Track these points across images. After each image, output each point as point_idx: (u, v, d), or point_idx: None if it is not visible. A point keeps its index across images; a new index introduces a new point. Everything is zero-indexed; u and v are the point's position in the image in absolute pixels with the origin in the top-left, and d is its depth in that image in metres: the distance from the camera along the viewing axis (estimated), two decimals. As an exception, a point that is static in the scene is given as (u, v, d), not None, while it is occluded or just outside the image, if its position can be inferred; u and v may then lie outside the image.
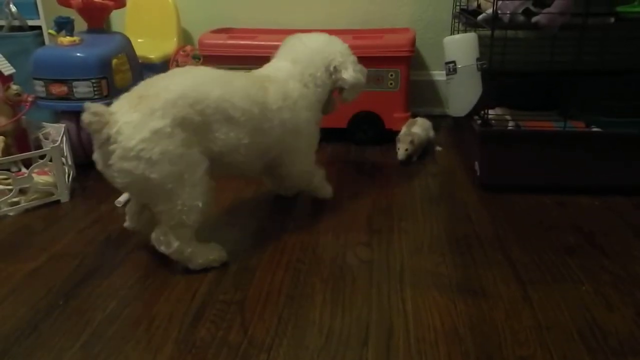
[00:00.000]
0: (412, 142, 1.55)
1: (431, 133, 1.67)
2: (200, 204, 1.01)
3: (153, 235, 1.03)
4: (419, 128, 1.61)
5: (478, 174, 1.42)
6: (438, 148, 1.71)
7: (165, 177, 0.96)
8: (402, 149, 1.55)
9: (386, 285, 1.01)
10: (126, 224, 1.17)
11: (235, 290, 0.99)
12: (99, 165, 0.99)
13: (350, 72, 1.22)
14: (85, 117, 0.93)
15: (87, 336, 0.88)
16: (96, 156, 0.99)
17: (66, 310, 0.95)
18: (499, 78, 1.38)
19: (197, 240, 1.05)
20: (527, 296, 0.97)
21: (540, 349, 0.84)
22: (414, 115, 1.78)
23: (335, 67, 1.22)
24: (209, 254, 1.06)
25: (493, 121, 1.45)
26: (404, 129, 1.60)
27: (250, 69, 1.70)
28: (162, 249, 1.03)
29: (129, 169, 0.94)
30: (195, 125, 1.00)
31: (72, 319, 0.92)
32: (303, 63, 1.20)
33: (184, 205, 0.99)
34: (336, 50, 1.23)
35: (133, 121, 0.94)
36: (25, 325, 0.91)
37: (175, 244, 1.02)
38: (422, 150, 1.64)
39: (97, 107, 0.94)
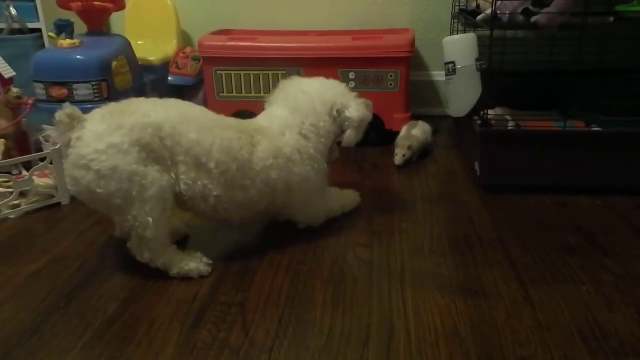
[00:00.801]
0: (410, 147, 1.54)
1: (430, 138, 1.66)
2: (150, 220, 0.97)
3: (129, 245, 1.03)
4: (418, 131, 1.60)
5: (478, 174, 1.42)
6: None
7: (111, 193, 0.94)
8: (399, 155, 1.54)
9: (387, 286, 1.01)
10: (116, 233, 1.17)
11: (236, 292, 0.99)
12: (64, 171, 1.00)
13: (355, 108, 1.16)
14: (58, 115, 0.94)
15: (89, 338, 0.88)
16: (65, 162, 0.99)
17: (67, 312, 0.95)
18: (499, 78, 1.38)
19: (176, 249, 1.05)
20: (527, 296, 0.97)
21: (541, 349, 0.84)
22: (414, 116, 1.78)
23: (338, 111, 1.16)
24: (185, 264, 1.03)
25: (493, 121, 1.45)
26: (403, 131, 1.60)
27: (251, 70, 1.71)
28: (138, 257, 1.03)
29: (77, 178, 0.94)
30: (159, 154, 0.97)
31: (74, 321, 0.92)
32: (303, 113, 1.14)
33: (135, 220, 0.97)
34: (336, 93, 1.18)
35: (97, 131, 0.94)
36: (26, 328, 0.91)
37: (146, 254, 1.01)
38: (421, 153, 1.62)
39: (72, 109, 0.95)
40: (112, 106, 1.00)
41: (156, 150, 0.96)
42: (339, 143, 1.23)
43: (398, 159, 1.54)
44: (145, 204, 0.96)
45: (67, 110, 0.95)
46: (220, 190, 1.03)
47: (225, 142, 1.02)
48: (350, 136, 1.18)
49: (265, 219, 1.22)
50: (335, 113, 1.16)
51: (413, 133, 1.58)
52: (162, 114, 0.99)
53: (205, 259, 1.06)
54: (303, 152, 1.12)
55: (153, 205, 0.97)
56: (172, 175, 0.99)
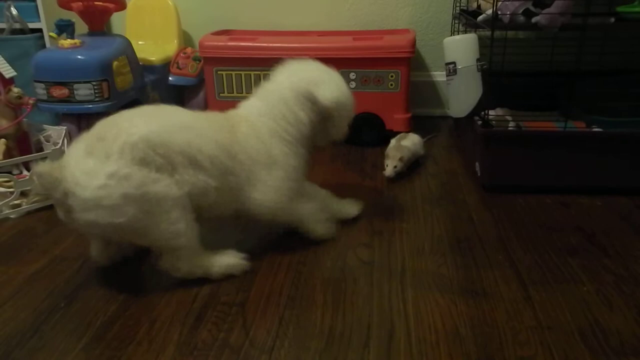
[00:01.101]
0: (401, 158, 1.47)
1: (421, 151, 1.59)
2: (182, 227, 0.97)
3: (161, 263, 1.01)
4: (408, 142, 1.54)
5: (479, 174, 1.42)
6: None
7: (132, 218, 0.91)
8: (390, 166, 1.47)
9: (387, 286, 1.01)
10: (94, 254, 1.10)
11: (237, 292, 0.99)
12: (62, 217, 0.95)
13: (323, 92, 1.09)
14: (36, 179, 0.90)
15: (89, 338, 0.88)
16: (58, 212, 0.95)
17: (68, 312, 0.95)
18: (500, 79, 1.38)
19: (208, 251, 1.04)
20: (528, 296, 0.97)
21: (542, 349, 0.84)
22: (415, 116, 1.78)
23: (307, 97, 1.10)
24: (225, 260, 1.05)
25: (494, 122, 1.45)
26: (393, 142, 1.54)
27: (251, 70, 1.71)
28: (175, 274, 1.01)
29: (94, 220, 0.91)
30: (157, 165, 0.95)
31: (74, 321, 0.92)
32: (273, 102, 1.11)
33: (162, 236, 0.96)
34: (307, 77, 1.12)
35: (87, 169, 0.90)
36: (26, 328, 0.91)
37: (183, 267, 1.01)
38: (411, 165, 1.56)
39: (43, 168, 0.90)
40: (89, 137, 0.95)
41: (153, 161, 0.94)
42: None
43: (389, 170, 1.47)
44: (169, 215, 0.95)
45: (37, 171, 0.90)
46: (217, 182, 1.02)
47: (211, 136, 1.02)
48: (335, 119, 1.14)
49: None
50: (303, 99, 1.10)
51: (403, 144, 1.52)
52: (144, 125, 0.96)
53: (240, 254, 1.07)
54: (279, 136, 1.10)
55: (177, 213, 0.96)
56: (176, 176, 0.97)
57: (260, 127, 1.10)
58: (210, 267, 1.03)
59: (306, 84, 1.10)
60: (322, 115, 1.13)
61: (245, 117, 1.11)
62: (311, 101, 1.10)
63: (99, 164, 0.90)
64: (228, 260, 1.05)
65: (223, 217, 1.12)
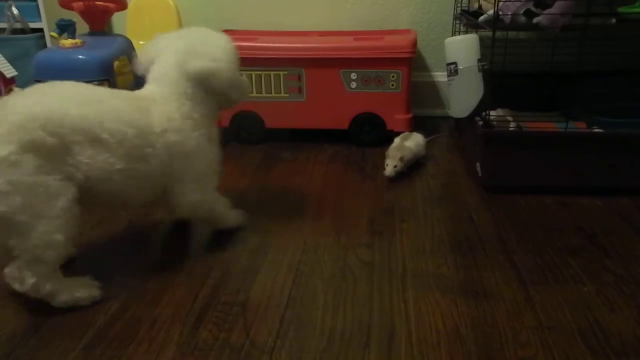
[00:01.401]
0: (401, 158, 1.47)
1: (423, 151, 1.59)
2: (60, 238, 0.89)
3: (6, 271, 0.93)
4: (412, 142, 1.53)
5: (480, 174, 1.42)
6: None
7: (15, 209, 0.85)
8: (390, 166, 1.47)
9: (388, 286, 1.01)
10: None
11: (237, 292, 1.00)
12: None
13: (192, 67, 1.04)
14: None
15: (90, 338, 0.88)
16: None
17: (69, 311, 0.95)
18: (501, 79, 1.38)
19: (62, 275, 0.95)
20: (529, 297, 0.97)
21: (542, 349, 0.84)
22: (416, 117, 1.78)
23: (185, 71, 1.05)
24: (75, 290, 0.95)
25: (495, 122, 1.45)
26: (396, 142, 1.54)
27: (252, 70, 1.71)
28: (16, 286, 0.92)
29: None
30: (49, 148, 0.87)
31: (75, 320, 0.92)
32: (166, 84, 1.06)
33: (39, 239, 0.87)
34: (175, 51, 1.07)
35: None
36: (27, 328, 0.91)
37: (30, 281, 0.90)
38: (412, 165, 1.55)
39: None
40: None
41: (47, 144, 0.87)
42: None
43: (388, 170, 1.47)
44: (54, 220, 0.88)
45: None
46: (122, 163, 0.95)
47: (115, 110, 0.96)
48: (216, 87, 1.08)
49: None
50: (184, 74, 1.05)
51: (406, 144, 1.52)
52: (31, 102, 0.89)
53: (95, 283, 0.99)
54: (189, 117, 1.05)
55: (62, 222, 0.89)
56: (70, 161, 0.90)
57: (173, 111, 1.04)
58: (57, 294, 0.93)
59: (174, 58, 1.05)
60: (208, 87, 1.08)
61: (154, 101, 1.04)
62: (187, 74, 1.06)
63: None
64: (80, 290, 0.96)
65: (133, 209, 1.06)
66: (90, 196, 0.95)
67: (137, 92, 1.07)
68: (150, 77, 1.09)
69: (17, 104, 0.89)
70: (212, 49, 1.08)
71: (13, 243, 0.88)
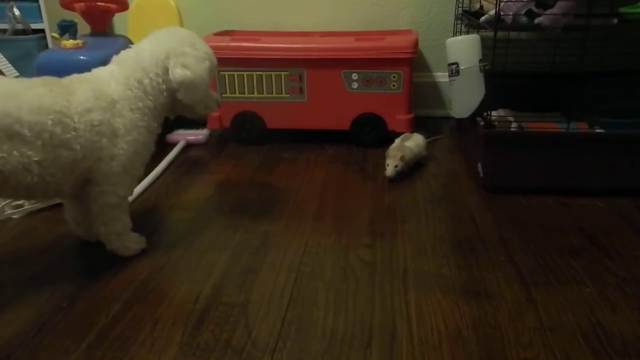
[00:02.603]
0: (402, 158, 1.46)
1: (424, 152, 1.59)
2: None
3: None
4: (412, 143, 1.53)
5: (481, 175, 1.42)
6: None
7: None
8: (391, 166, 1.46)
9: (389, 287, 1.01)
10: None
11: (239, 293, 1.00)
12: None
13: (171, 69, 1.06)
14: None
15: (91, 338, 0.88)
16: None
17: (70, 312, 0.95)
18: (502, 79, 1.38)
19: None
20: (530, 298, 0.97)
21: (544, 350, 0.84)
22: (417, 117, 1.78)
23: (165, 67, 1.07)
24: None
25: (496, 122, 1.45)
26: (396, 142, 1.54)
27: (254, 70, 1.71)
28: None
29: None
30: None
31: (77, 321, 0.92)
32: (129, 67, 1.06)
33: None
34: (164, 46, 1.07)
35: None
36: (29, 328, 0.91)
37: None
38: (413, 166, 1.55)
39: None
40: None
41: None
42: None
43: (389, 170, 1.46)
44: None
45: None
46: (40, 155, 0.92)
47: (34, 101, 0.93)
48: (180, 97, 1.08)
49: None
50: (161, 70, 1.07)
51: (406, 144, 1.52)
52: None
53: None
54: (130, 102, 1.04)
55: None
56: None
57: (110, 91, 1.03)
58: None
59: (164, 54, 1.07)
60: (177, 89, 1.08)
61: (87, 79, 1.04)
62: (166, 74, 1.07)
63: None
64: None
65: (59, 195, 1.04)
66: (7, 189, 0.93)
67: (73, 76, 1.05)
68: (115, 58, 1.09)
69: None
70: (198, 60, 1.08)
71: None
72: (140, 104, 1.05)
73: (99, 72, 1.07)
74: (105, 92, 1.02)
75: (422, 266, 1.07)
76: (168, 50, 1.07)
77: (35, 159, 0.92)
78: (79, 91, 0.99)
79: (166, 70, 1.07)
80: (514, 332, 0.88)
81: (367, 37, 1.75)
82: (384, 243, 1.16)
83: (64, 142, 0.95)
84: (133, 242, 1.13)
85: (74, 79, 1.03)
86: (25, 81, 0.98)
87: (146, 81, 1.06)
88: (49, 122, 0.93)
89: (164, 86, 1.08)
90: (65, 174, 0.98)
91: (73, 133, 0.96)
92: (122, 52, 1.10)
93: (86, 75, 1.06)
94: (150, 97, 1.07)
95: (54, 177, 0.96)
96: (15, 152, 0.90)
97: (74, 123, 0.97)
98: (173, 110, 1.14)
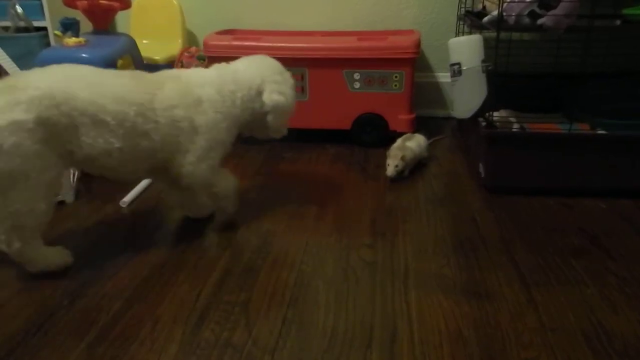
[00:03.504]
0: (402, 157, 1.46)
1: (425, 152, 1.58)
2: (42, 207, 0.98)
3: None
4: (413, 143, 1.53)
5: (482, 175, 1.42)
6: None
7: (11, 170, 0.93)
8: (391, 165, 1.46)
9: (390, 287, 1.01)
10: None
11: (240, 292, 1.00)
12: None
13: (267, 94, 1.17)
14: None
15: (92, 337, 0.88)
16: None
17: (71, 310, 0.95)
18: (504, 80, 1.38)
19: (42, 243, 1.04)
20: (531, 298, 0.96)
21: (545, 351, 0.83)
22: (419, 117, 1.78)
23: (257, 90, 1.18)
24: (52, 258, 1.05)
25: (498, 123, 1.45)
26: (398, 142, 1.54)
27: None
28: (2, 247, 1.00)
29: None
30: (60, 127, 0.97)
31: (77, 319, 0.93)
32: (226, 78, 1.16)
33: (23, 205, 0.96)
34: (259, 72, 1.19)
35: None
36: (30, 326, 0.91)
37: (17, 245, 0.99)
38: (414, 166, 1.55)
39: None
40: (5, 81, 0.98)
41: (56, 122, 0.96)
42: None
43: (390, 169, 1.46)
44: (40, 189, 0.97)
45: None
46: (122, 142, 1.02)
47: (118, 90, 1.02)
48: (270, 120, 1.20)
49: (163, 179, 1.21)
50: (253, 92, 1.17)
51: (408, 144, 1.51)
52: (49, 81, 0.97)
53: (68, 252, 1.08)
54: (215, 105, 1.12)
55: (47, 191, 0.99)
56: (74, 141, 0.99)
57: (199, 92, 1.10)
58: (36, 261, 1.03)
59: (260, 79, 1.18)
60: (263, 111, 1.19)
61: (182, 78, 1.12)
62: (257, 96, 1.18)
63: (7, 107, 0.92)
64: (55, 258, 1.06)
65: (134, 179, 1.16)
66: (96, 168, 1.05)
67: (164, 71, 1.15)
68: (217, 66, 1.19)
69: (37, 79, 0.97)
70: (289, 88, 1.21)
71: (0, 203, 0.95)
72: (225, 110, 1.13)
73: (195, 72, 1.16)
74: (194, 91, 1.10)
75: (423, 266, 1.07)
76: (263, 76, 1.18)
77: (117, 145, 1.01)
78: (167, 87, 1.07)
79: (259, 93, 1.18)
80: (515, 332, 0.88)
81: (369, 37, 1.74)
82: (384, 243, 1.16)
83: (145, 133, 1.04)
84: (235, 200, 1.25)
85: (165, 75, 1.12)
86: (113, 72, 1.07)
87: (239, 95, 1.15)
88: (132, 112, 1.02)
89: (251, 105, 1.17)
90: (142, 160, 1.07)
91: (154, 125, 1.05)
92: (222, 65, 1.20)
93: (180, 72, 1.15)
94: (238, 109, 1.16)
95: (133, 162, 1.06)
96: (100, 139, 1.00)
97: (156, 116, 1.05)
98: (247, 128, 1.23)
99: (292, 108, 1.23)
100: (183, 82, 1.11)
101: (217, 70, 1.18)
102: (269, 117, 1.19)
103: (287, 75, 1.23)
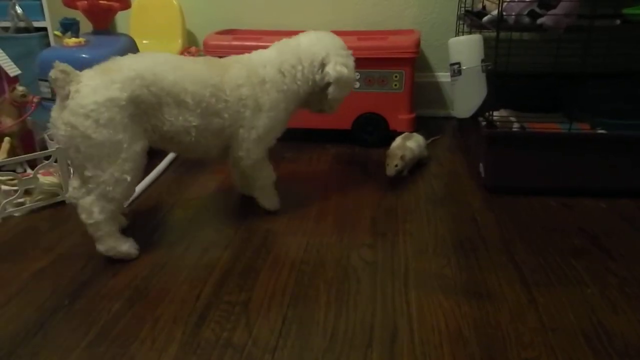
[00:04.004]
0: (402, 157, 1.46)
1: (424, 152, 1.59)
2: (128, 178, 1.05)
3: (80, 202, 1.06)
4: (413, 143, 1.53)
5: (482, 175, 1.42)
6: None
7: (105, 141, 1.01)
8: (391, 165, 1.45)
9: (390, 287, 1.01)
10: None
11: (240, 291, 1.00)
12: (53, 121, 1.05)
13: (332, 66, 1.21)
14: (52, 74, 1.00)
15: (93, 336, 0.88)
16: (53, 112, 1.05)
17: (72, 310, 0.95)
18: (504, 80, 1.38)
19: (117, 230, 1.11)
20: (532, 298, 0.96)
21: (545, 351, 0.83)
22: (419, 117, 1.78)
23: (320, 63, 1.22)
24: (122, 244, 1.10)
25: (498, 123, 1.45)
26: (397, 141, 1.54)
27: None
28: (83, 217, 1.06)
29: (75, 124, 1.00)
30: (147, 105, 1.07)
31: (78, 319, 0.93)
32: (286, 54, 1.22)
33: (112, 176, 1.03)
34: (324, 45, 1.24)
35: (93, 85, 1.02)
36: (31, 326, 0.91)
37: (98, 217, 1.05)
38: (413, 166, 1.55)
39: (65, 66, 1.02)
40: (96, 67, 1.07)
41: (145, 100, 1.06)
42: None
43: (390, 169, 1.45)
44: (128, 161, 1.04)
45: (60, 67, 1.01)
46: (198, 120, 1.12)
47: (196, 74, 1.12)
48: (331, 91, 1.23)
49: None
50: (317, 64, 1.22)
51: (407, 144, 1.51)
52: (142, 64, 1.08)
53: (136, 245, 1.13)
54: (277, 85, 1.20)
55: (134, 164, 1.06)
56: (159, 117, 1.09)
57: (261, 72, 1.19)
58: (105, 241, 1.08)
59: (325, 52, 1.22)
60: (323, 84, 1.24)
61: (244, 60, 1.21)
62: (322, 69, 1.22)
63: (103, 85, 1.02)
64: (122, 246, 1.10)
65: (206, 157, 1.26)
66: (172, 145, 1.15)
67: (231, 57, 1.22)
68: (277, 44, 1.26)
69: (131, 63, 1.08)
70: (349, 63, 1.26)
71: (91, 174, 1.03)
72: (286, 87, 1.21)
73: (257, 54, 1.24)
74: (258, 72, 1.19)
75: (424, 266, 1.07)
76: (328, 49, 1.23)
77: (194, 124, 1.12)
78: (233, 69, 1.17)
79: (321, 65, 1.22)
80: (515, 332, 0.88)
81: (369, 37, 1.74)
82: (385, 243, 1.16)
83: (217, 111, 1.14)
84: (272, 200, 1.31)
85: (232, 59, 1.21)
86: (189, 58, 1.19)
87: (299, 68, 1.21)
88: (207, 93, 1.12)
89: (312, 77, 1.23)
90: (213, 138, 1.17)
91: (224, 104, 1.15)
92: (283, 39, 1.27)
93: (243, 56, 1.23)
94: (298, 83, 1.22)
95: (206, 139, 1.16)
96: (180, 117, 1.11)
97: (226, 96, 1.15)
98: (307, 102, 1.29)
99: (353, 82, 1.29)
100: (247, 63, 1.20)
101: (277, 48, 1.25)
102: (331, 89, 1.23)
103: (350, 52, 1.28)
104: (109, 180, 1.04)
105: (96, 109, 1.00)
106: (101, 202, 1.05)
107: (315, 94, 1.26)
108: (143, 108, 1.07)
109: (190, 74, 1.12)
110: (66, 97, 1.01)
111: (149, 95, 1.06)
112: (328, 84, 1.23)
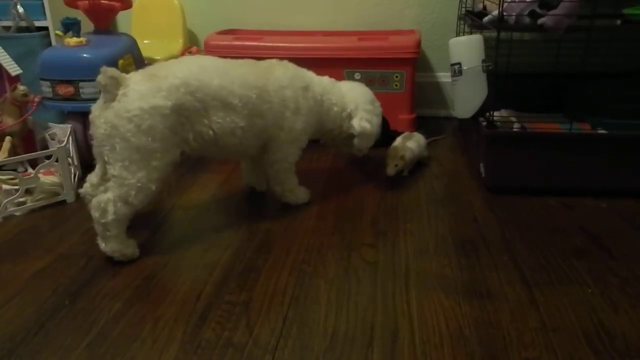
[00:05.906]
0: (402, 157, 1.46)
1: (425, 152, 1.59)
2: (153, 187, 1.07)
3: (94, 200, 1.06)
4: (413, 143, 1.53)
5: (483, 175, 1.42)
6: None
7: (141, 146, 1.03)
8: (391, 165, 1.46)
9: (391, 286, 1.01)
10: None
11: (241, 291, 1.00)
12: (93, 118, 1.07)
13: (357, 120, 1.33)
14: (102, 79, 1.03)
15: (93, 336, 0.88)
16: (94, 110, 1.07)
17: (72, 310, 0.95)
18: (505, 80, 1.38)
19: (125, 232, 1.09)
20: (532, 298, 0.96)
21: (546, 351, 0.83)
22: (419, 117, 1.78)
23: (348, 115, 1.34)
24: (126, 246, 1.10)
25: (498, 123, 1.45)
26: (398, 141, 1.54)
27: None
28: (96, 215, 1.05)
29: (117, 125, 1.03)
30: (192, 111, 1.10)
31: (78, 319, 0.93)
32: (326, 90, 1.32)
33: (138, 181, 1.04)
34: (357, 100, 1.35)
35: (141, 91, 1.04)
36: (31, 325, 0.91)
37: (111, 217, 1.05)
38: (413, 166, 1.55)
39: (113, 71, 1.04)
40: (146, 70, 1.11)
41: (189, 107, 1.09)
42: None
43: (390, 169, 1.45)
44: (157, 171, 1.07)
45: (109, 72, 1.03)
46: (244, 122, 1.16)
47: (242, 77, 1.16)
48: (356, 143, 1.36)
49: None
50: (344, 115, 1.35)
51: (407, 144, 1.51)
52: (186, 71, 1.11)
53: (136, 246, 1.12)
54: (315, 98, 1.29)
55: (161, 175, 1.08)
56: (205, 121, 1.12)
57: (308, 80, 1.28)
58: (112, 242, 1.07)
59: (354, 105, 1.35)
60: (348, 134, 1.36)
61: (290, 66, 1.27)
62: (347, 118, 1.35)
63: (150, 92, 1.05)
64: (127, 249, 1.10)
65: (244, 157, 1.34)
66: (215, 147, 1.17)
67: (274, 60, 1.28)
68: (332, 81, 1.37)
69: (176, 69, 1.11)
70: (376, 117, 1.40)
71: (117, 174, 1.04)
72: (318, 110, 1.31)
73: (305, 71, 1.31)
74: (304, 77, 1.28)
75: (424, 266, 1.07)
76: (357, 103, 1.35)
77: (240, 125, 1.16)
78: (277, 71, 1.23)
79: (349, 116, 1.35)
80: (516, 332, 0.88)
81: (370, 37, 1.75)
82: (386, 243, 1.16)
83: (261, 113, 1.19)
84: (303, 193, 1.35)
85: (273, 62, 1.27)
86: (232, 61, 1.21)
87: (335, 109, 1.34)
88: (254, 95, 1.16)
89: (338, 124, 1.36)
90: (255, 138, 1.21)
91: (268, 105, 1.19)
92: (329, 78, 1.38)
93: (291, 63, 1.29)
94: (323, 118, 1.33)
95: (249, 140, 1.20)
96: (227, 119, 1.14)
97: (270, 97, 1.20)
98: (337, 145, 1.45)
99: (376, 134, 1.40)
100: (292, 69, 1.26)
101: (329, 79, 1.36)
102: (356, 140, 1.35)
103: (377, 104, 1.41)
104: (133, 185, 1.04)
105: (140, 114, 1.02)
106: (118, 204, 1.05)
107: (343, 139, 1.39)
108: (186, 115, 1.09)
109: (237, 76, 1.15)
110: (113, 99, 1.04)
111: (193, 101, 1.09)
112: (352, 135, 1.35)
